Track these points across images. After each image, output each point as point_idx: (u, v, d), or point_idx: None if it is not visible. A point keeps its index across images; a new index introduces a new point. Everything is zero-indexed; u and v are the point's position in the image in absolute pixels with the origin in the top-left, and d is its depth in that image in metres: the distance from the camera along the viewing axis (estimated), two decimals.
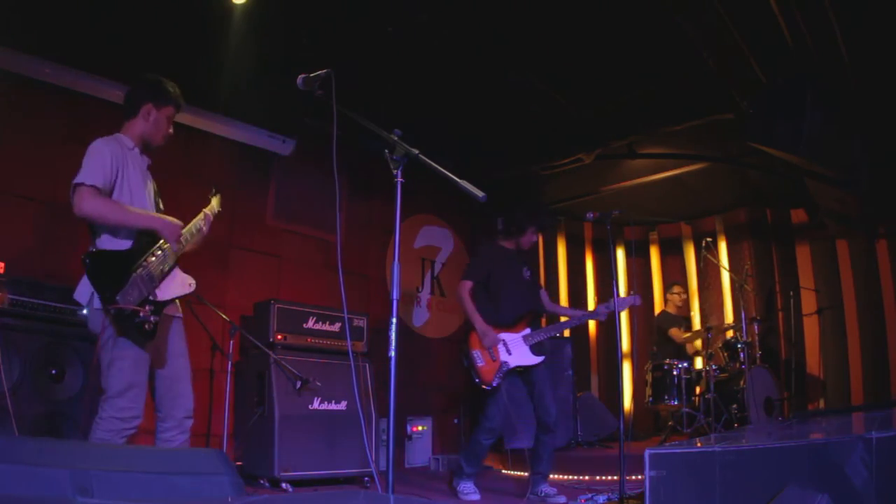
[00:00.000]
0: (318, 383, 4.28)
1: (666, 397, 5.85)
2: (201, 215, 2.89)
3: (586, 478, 4.77)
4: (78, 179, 2.52)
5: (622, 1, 3.99)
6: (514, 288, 4.10)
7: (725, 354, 6.07)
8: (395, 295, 2.17)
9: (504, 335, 3.96)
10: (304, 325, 4.47)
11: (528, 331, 4.00)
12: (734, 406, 5.57)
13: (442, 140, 5.15)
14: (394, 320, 2.15)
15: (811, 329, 6.76)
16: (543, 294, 4.33)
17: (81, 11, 3.84)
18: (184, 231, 2.73)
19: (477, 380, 3.89)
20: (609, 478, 4.62)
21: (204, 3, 3.86)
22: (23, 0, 3.70)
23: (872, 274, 6.40)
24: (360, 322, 4.79)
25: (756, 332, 6.21)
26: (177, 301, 2.76)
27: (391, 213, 2.22)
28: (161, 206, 2.87)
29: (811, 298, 6.72)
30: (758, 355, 6.07)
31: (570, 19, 4.20)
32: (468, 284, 4.05)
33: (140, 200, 2.69)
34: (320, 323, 4.55)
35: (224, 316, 4.29)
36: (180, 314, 2.82)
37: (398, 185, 2.23)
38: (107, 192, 2.57)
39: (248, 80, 4.45)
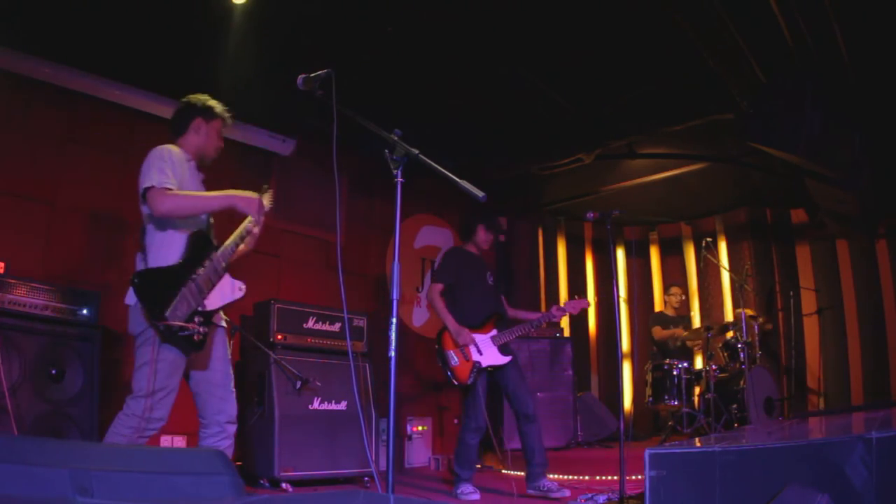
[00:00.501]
0: (318, 383, 4.28)
1: (666, 397, 5.85)
2: (249, 218, 2.84)
3: (586, 478, 4.77)
4: (147, 183, 2.55)
5: (622, 1, 3.99)
6: (480, 291, 4.25)
7: (725, 354, 6.07)
8: (395, 295, 2.17)
9: (473, 336, 4.08)
10: (304, 325, 4.47)
11: (494, 332, 4.15)
12: (734, 406, 5.57)
13: (442, 140, 5.15)
14: (394, 320, 2.15)
15: (811, 329, 6.76)
16: (503, 299, 4.48)
17: (81, 11, 3.84)
18: (230, 238, 2.76)
19: (453, 380, 4.02)
20: (609, 478, 4.62)
21: (204, 3, 3.86)
22: (23, 0, 3.70)
23: (872, 274, 6.40)
24: (360, 322, 4.79)
25: (756, 332, 6.22)
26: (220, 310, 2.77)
27: (391, 213, 2.22)
28: (212, 221, 2.89)
29: (811, 298, 6.72)
30: (758, 355, 6.07)
31: (570, 19, 4.20)
32: (439, 287, 4.18)
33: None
34: (320, 323, 4.55)
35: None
36: (224, 322, 2.87)
37: (398, 185, 2.23)
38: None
39: (248, 80, 4.44)
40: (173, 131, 2.85)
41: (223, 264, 2.73)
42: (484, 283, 4.30)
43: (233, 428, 2.80)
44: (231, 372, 2.84)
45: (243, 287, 2.77)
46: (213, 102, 2.89)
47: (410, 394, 5.86)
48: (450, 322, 4.06)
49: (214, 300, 2.67)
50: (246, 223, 2.81)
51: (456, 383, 4.01)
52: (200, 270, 2.63)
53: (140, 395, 2.51)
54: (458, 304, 4.18)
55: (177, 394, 2.63)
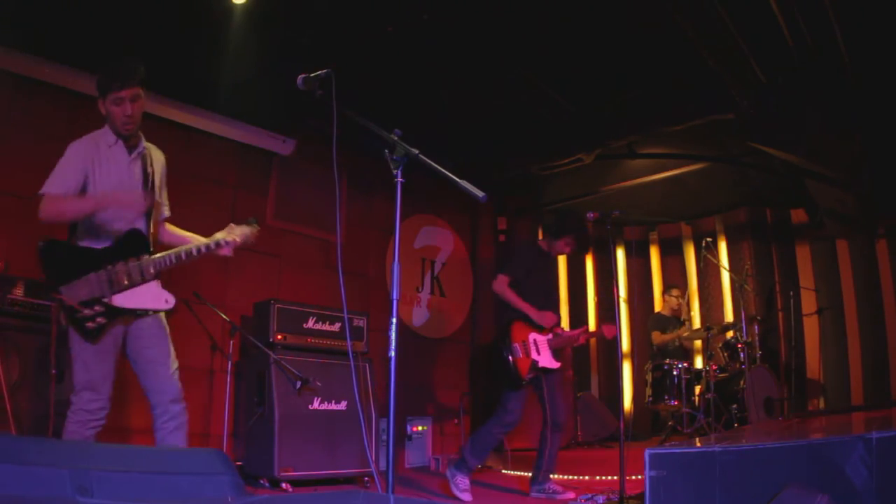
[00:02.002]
0: (318, 383, 4.28)
1: (666, 397, 5.85)
2: (228, 236, 2.79)
3: (586, 478, 4.77)
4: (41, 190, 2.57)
5: (622, 1, 3.99)
6: (548, 291, 4.20)
7: (725, 354, 6.07)
8: (395, 295, 2.17)
9: (535, 335, 4.03)
10: (304, 325, 4.47)
11: (551, 336, 4.09)
12: (734, 406, 5.57)
13: (442, 140, 5.15)
14: (394, 320, 2.15)
15: (811, 329, 6.76)
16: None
17: (81, 11, 3.84)
18: (201, 241, 2.74)
19: (512, 373, 3.90)
20: (609, 478, 4.62)
21: (204, 2, 3.86)
22: (23, 0, 3.70)
23: (872, 274, 6.39)
24: (360, 322, 4.79)
25: (756, 332, 6.21)
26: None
27: (391, 213, 2.22)
28: (160, 194, 2.85)
29: (811, 298, 6.72)
30: (758, 355, 6.07)
31: (570, 19, 4.20)
32: (505, 279, 4.06)
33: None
34: (320, 323, 4.55)
35: (224, 316, 4.29)
36: (158, 308, 2.71)
37: (398, 185, 2.22)
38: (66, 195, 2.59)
39: (248, 80, 4.44)
40: None
41: (152, 270, 2.63)
42: (549, 284, 4.26)
43: (177, 407, 2.72)
44: (167, 351, 2.72)
45: (171, 301, 2.68)
46: (103, 74, 2.74)
47: (410, 394, 5.86)
48: (530, 309, 3.96)
49: (126, 300, 2.57)
50: (209, 240, 2.76)
51: (513, 379, 3.90)
52: (120, 265, 2.56)
53: (78, 388, 2.54)
54: (527, 300, 4.05)
55: (112, 380, 2.61)
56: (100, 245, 2.58)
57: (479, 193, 2.27)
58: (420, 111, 5.08)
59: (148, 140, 2.94)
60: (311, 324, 4.51)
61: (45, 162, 4.13)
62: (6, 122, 3.97)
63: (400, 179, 2.23)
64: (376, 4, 4.01)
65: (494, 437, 4.01)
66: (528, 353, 3.96)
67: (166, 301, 2.67)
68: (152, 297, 2.64)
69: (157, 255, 2.66)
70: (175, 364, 2.73)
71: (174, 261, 2.67)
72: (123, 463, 1.62)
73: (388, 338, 2.14)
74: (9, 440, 2.06)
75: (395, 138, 2.24)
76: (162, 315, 2.73)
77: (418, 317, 6.32)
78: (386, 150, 2.25)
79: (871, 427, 2.09)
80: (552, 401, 4.02)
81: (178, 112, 4.59)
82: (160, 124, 4.50)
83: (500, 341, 3.98)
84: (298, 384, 4.17)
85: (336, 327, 4.62)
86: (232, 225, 2.86)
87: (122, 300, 2.56)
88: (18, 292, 3.35)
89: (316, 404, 4.32)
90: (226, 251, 2.78)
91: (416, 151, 2.24)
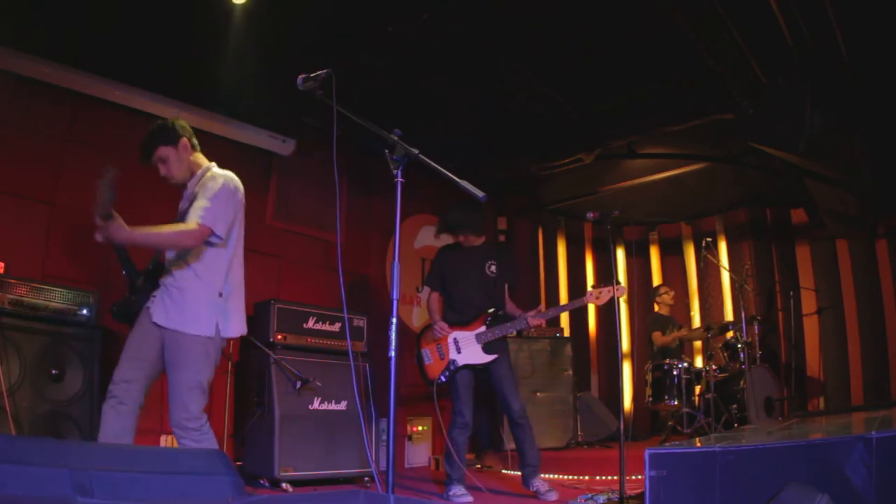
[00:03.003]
0: (318, 383, 4.28)
1: (666, 397, 5.84)
2: None
3: (586, 478, 4.77)
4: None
5: (622, 0, 3.99)
6: (470, 286, 4.15)
7: (725, 354, 6.06)
8: (395, 295, 2.17)
9: (457, 333, 4.06)
10: (304, 325, 4.47)
11: (482, 328, 4.04)
12: (734, 406, 5.57)
13: (442, 140, 5.15)
14: (394, 320, 2.15)
15: (811, 329, 6.76)
16: (505, 291, 4.28)
17: (81, 11, 3.84)
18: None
19: (423, 377, 4.09)
20: (609, 478, 4.62)
21: (204, 3, 3.86)
22: (23, 0, 3.70)
23: (872, 274, 6.40)
24: (360, 322, 4.79)
25: (756, 332, 6.21)
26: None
27: (391, 213, 2.22)
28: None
29: (811, 298, 6.72)
30: (758, 355, 6.06)
31: (570, 19, 4.20)
32: (432, 294, 4.30)
33: None
34: (320, 323, 4.55)
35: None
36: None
37: (398, 185, 2.23)
38: None
39: (248, 80, 4.44)
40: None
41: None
42: (476, 277, 4.15)
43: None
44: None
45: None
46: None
47: (410, 394, 5.85)
48: (433, 318, 4.16)
49: None
50: None
51: (428, 383, 4.08)
52: None
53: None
54: (447, 301, 4.22)
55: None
56: None
57: (479, 193, 2.27)
58: (420, 111, 5.08)
59: None
60: (311, 324, 4.51)
61: (45, 162, 4.15)
62: (6, 123, 3.97)
63: (400, 179, 2.23)
64: (376, 4, 4.01)
65: (458, 442, 4.01)
66: (442, 356, 4.05)
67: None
68: None
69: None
70: None
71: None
72: (123, 463, 1.62)
73: (388, 338, 2.14)
74: (9, 440, 2.06)
75: (395, 138, 2.24)
76: None
77: (418, 317, 6.32)
78: (386, 150, 2.25)
79: (871, 427, 2.09)
80: (502, 397, 4.04)
81: (178, 112, 4.59)
82: None
83: (415, 351, 4.19)
84: (298, 384, 4.17)
85: (336, 327, 4.62)
86: None
87: None
88: (19, 292, 3.35)
89: (316, 404, 4.32)
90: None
91: (416, 151, 2.25)
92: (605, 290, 3.96)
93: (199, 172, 2.87)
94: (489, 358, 4.01)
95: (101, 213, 2.49)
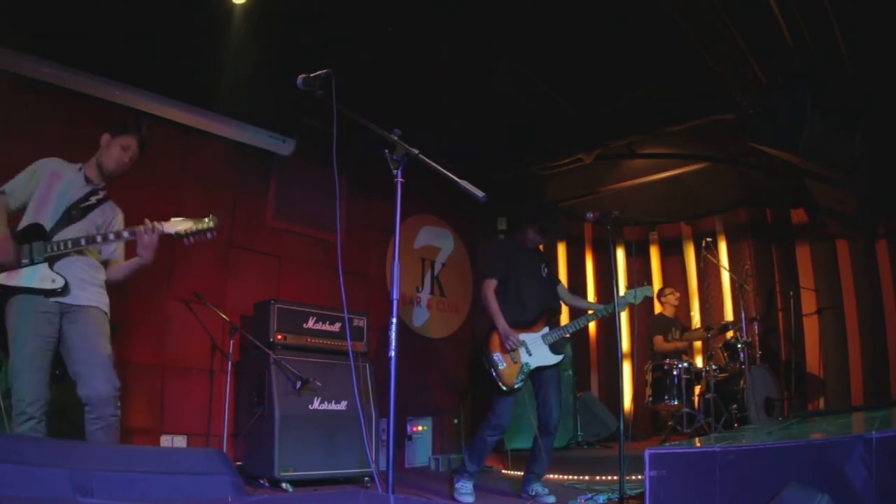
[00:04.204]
0: (318, 383, 4.28)
1: (666, 397, 5.84)
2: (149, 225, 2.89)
3: (586, 478, 4.77)
4: None
5: (622, 0, 3.99)
6: (533, 285, 4.04)
7: (725, 354, 6.06)
8: (395, 295, 2.17)
9: (524, 336, 3.91)
10: (304, 325, 4.47)
11: (546, 330, 3.95)
12: (734, 406, 5.57)
13: (442, 140, 5.15)
14: (394, 320, 2.15)
15: (811, 329, 6.76)
16: (561, 288, 4.27)
17: (81, 11, 3.84)
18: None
19: (499, 383, 3.81)
20: (609, 478, 4.62)
21: (204, 2, 3.86)
22: (23, 0, 3.70)
23: (872, 274, 6.39)
24: (360, 322, 4.79)
25: (756, 332, 6.21)
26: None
27: (391, 213, 2.22)
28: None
29: (811, 298, 6.72)
30: (758, 355, 6.06)
31: (570, 19, 4.20)
32: (492, 283, 3.97)
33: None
34: (320, 323, 4.55)
35: (224, 316, 4.29)
36: (94, 302, 2.88)
37: (398, 185, 2.23)
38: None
39: (248, 80, 4.44)
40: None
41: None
42: (537, 276, 4.08)
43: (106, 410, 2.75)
44: (98, 348, 2.81)
45: (58, 280, 2.77)
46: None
47: (410, 394, 5.86)
48: (500, 323, 3.85)
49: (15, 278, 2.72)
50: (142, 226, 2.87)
51: (504, 388, 3.80)
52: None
53: None
54: (507, 301, 3.96)
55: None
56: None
57: (479, 193, 2.27)
58: (420, 111, 5.08)
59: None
60: (311, 324, 4.51)
61: None
62: (6, 123, 3.96)
63: (400, 179, 2.23)
64: (376, 4, 4.01)
65: (486, 442, 3.92)
66: (514, 360, 3.85)
67: (52, 280, 2.78)
68: (40, 277, 2.79)
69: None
70: None
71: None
72: (123, 463, 1.62)
73: (388, 338, 2.14)
74: (9, 440, 2.06)
75: (395, 138, 2.25)
76: None
77: (418, 317, 6.32)
78: (386, 150, 2.25)
79: (871, 427, 2.09)
80: (545, 402, 3.92)
81: (178, 112, 4.59)
82: (160, 124, 4.50)
83: (482, 352, 3.93)
84: (298, 384, 4.17)
85: (336, 327, 4.62)
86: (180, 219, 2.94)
87: (14, 280, 2.76)
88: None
89: (316, 404, 4.32)
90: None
91: (416, 151, 2.25)
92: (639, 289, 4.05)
93: None
94: (558, 358, 3.93)
95: None
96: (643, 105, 5.22)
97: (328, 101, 2.25)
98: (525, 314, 3.96)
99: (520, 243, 4.16)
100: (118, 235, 2.89)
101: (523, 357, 3.86)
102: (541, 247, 4.31)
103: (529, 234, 4.11)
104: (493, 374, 3.83)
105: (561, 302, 4.22)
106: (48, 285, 2.73)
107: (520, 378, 3.82)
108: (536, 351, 3.90)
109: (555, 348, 3.94)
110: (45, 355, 2.71)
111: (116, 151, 2.99)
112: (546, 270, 4.15)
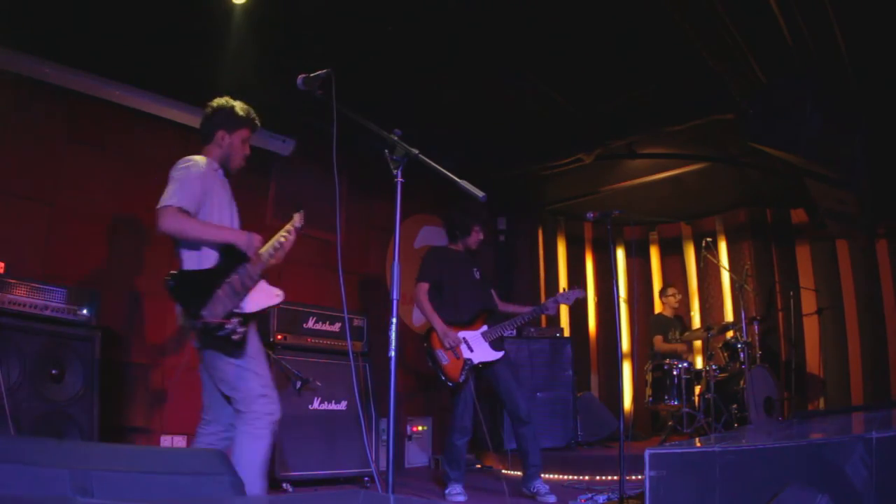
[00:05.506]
0: (318, 383, 4.28)
1: (666, 397, 5.85)
2: (283, 231, 3.00)
3: (586, 478, 4.77)
4: (163, 202, 2.58)
5: (622, 0, 3.99)
6: (468, 287, 4.22)
7: (725, 354, 6.06)
8: (395, 295, 2.18)
9: (463, 333, 4.06)
10: (304, 325, 4.47)
11: (485, 328, 4.11)
12: (734, 406, 5.57)
13: (442, 140, 5.15)
14: (394, 320, 2.15)
15: (811, 329, 6.76)
16: (493, 294, 4.43)
17: (81, 11, 3.84)
18: (264, 247, 2.85)
19: (443, 378, 3.98)
20: (609, 478, 4.62)
21: (204, 3, 3.86)
22: (23, 0, 3.70)
23: (872, 274, 6.39)
24: (360, 322, 4.79)
25: (756, 332, 6.21)
26: None
27: (391, 213, 2.22)
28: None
29: (811, 298, 6.72)
30: (758, 355, 6.06)
31: (570, 19, 4.20)
32: (424, 286, 4.16)
33: (225, 221, 2.83)
34: (320, 323, 4.55)
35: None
36: (274, 304, 2.90)
37: (398, 185, 2.23)
38: (192, 213, 2.64)
39: (248, 80, 4.44)
40: (201, 139, 2.92)
41: (257, 273, 2.78)
42: (470, 278, 4.26)
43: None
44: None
45: (280, 294, 2.83)
46: (237, 109, 2.91)
47: (410, 394, 5.86)
48: (436, 323, 4.03)
49: (251, 304, 2.71)
50: (278, 236, 2.93)
51: (449, 383, 3.97)
52: (234, 276, 2.66)
53: (255, 396, 2.64)
54: (445, 302, 4.15)
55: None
56: (203, 263, 2.66)
57: (479, 193, 2.27)
58: (420, 111, 5.08)
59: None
60: (311, 324, 4.51)
61: (45, 162, 4.15)
62: (6, 123, 3.97)
63: (400, 179, 2.23)
64: (376, 4, 4.01)
65: (457, 446, 4.03)
66: (457, 355, 3.99)
67: (277, 295, 2.83)
68: (267, 295, 2.80)
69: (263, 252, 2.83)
70: None
71: (271, 253, 2.89)
72: (123, 463, 1.62)
73: (388, 338, 2.14)
74: (9, 440, 2.06)
75: (395, 138, 2.25)
76: None
77: (418, 317, 6.32)
78: (386, 150, 2.25)
79: (871, 427, 2.09)
80: (506, 395, 4.04)
81: (178, 112, 4.59)
82: (160, 124, 4.50)
83: (426, 350, 4.06)
84: (298, 384, 4.16)
85: (336, 327, 4.62)
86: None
87: (249, 306, 2.69)
88: (18, 293, 3.35)
89: (316, 404, 4.32)
90: (288, 243, 3.02)
91: (416, 151, 2.25)
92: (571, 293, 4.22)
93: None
94: (499, 354, 4.06)
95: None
96: (643, 105, 5.22)
97: (328, 100, 2.25)
98: (460, 314, 4.12)
99: (452, 249, 4.34)
100: (282, 245, 2.98)
101: (465, 353, 4.02)
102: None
103: (475, 236, 4.30)
104: (438, 370, 4.00)
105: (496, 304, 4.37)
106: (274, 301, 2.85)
107: (463, 372, 3.98)
108: (477, 347, 4.05)
109: (495, 345, 4.10)
110: None
111: (240, 147, 2.98)
112: (479, 274, 4.32)
